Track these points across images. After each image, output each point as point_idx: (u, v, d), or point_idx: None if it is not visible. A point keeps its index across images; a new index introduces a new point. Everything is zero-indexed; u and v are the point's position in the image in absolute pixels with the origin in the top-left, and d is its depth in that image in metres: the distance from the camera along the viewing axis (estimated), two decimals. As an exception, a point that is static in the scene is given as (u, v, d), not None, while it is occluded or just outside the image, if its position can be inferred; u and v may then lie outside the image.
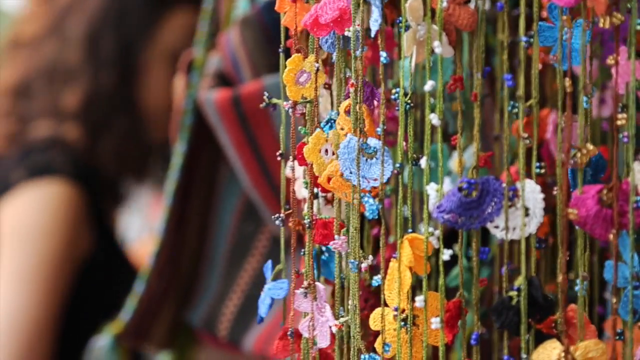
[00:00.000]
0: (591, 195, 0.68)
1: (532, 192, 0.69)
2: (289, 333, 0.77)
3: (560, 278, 0.69)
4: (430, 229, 0.70)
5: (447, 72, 0.81)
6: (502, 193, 0.69)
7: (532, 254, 0.72)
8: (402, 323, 0.70)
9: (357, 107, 0.72)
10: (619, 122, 0.69)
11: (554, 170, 0.76)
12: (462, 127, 0.73)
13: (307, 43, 0.77)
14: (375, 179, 0.71)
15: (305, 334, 0.76)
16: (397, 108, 0.72)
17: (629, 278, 0.69)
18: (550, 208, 0.72)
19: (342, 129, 0.73)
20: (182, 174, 1.31)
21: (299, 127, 0.77)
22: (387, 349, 0.71)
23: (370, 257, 0.74)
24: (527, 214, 0.69)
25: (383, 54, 0.71)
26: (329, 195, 0.79)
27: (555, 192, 0.72)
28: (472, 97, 0.73)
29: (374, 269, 0.77)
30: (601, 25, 0.68)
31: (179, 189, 1.32)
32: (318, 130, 0.75)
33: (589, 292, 0.75)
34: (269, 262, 0.79)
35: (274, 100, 0.79)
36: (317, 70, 0.75)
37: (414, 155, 0.71)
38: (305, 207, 0.77)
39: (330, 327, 0.74)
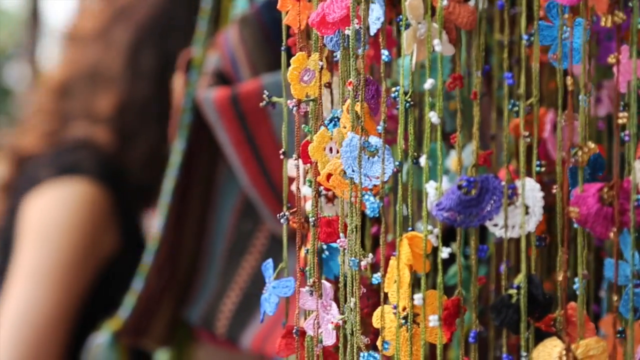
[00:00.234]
0: (592, 194, 0.68)
1: (531, 191, 0.69)
2: (293, 331, 0.77)
3: (560, 276, 0.70)
4: (429, 227, 0.70)
5: (445, 72, 0.81)
6: (502, 191, 0.69)
7: (533, 252, 0.72)
8: (403, 321, 0.71)
9: (357, 105, 0.72)
10: (620, 121, 0.69)
11: (551, 169, 0.77)
12: (462, 125, 0.73)
13: (308, 41, 0.77)
14: (377, 177, 0.71)
15: (310, 332, 0.76)
16: (397, 107, 0.72)
17: (629, 276, 0.70)
18: (546, 207, 0.72)
19: (344, 127, 0.73)
20: (181, 172, 1.31)
21: (302, 125, 0.77)
22: (386, 346, 0.72)
23: (370, 255, 0.75)
24: (526, 212, 0.70)
25: (384, 52, 0.71)
26: (330, 193, 0.79)
27: (553, 191, 0.72)
28: (471, 95, 0.73)
29: (375, 267, 0.77)
30: (602, 24, 0.68)
31: (177, 187, 1.32)
32: (322, 128, 0.75)
33: (585, 290, 0.75)
34: (269, 261, 0.79)
35: (274, 99, 0.80)
36: (322, 68, 0.75)
37: (415, 154, 0.72)
38: (308, 205, 0.78)
39: (333, 323, 0.74)
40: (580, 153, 0.69)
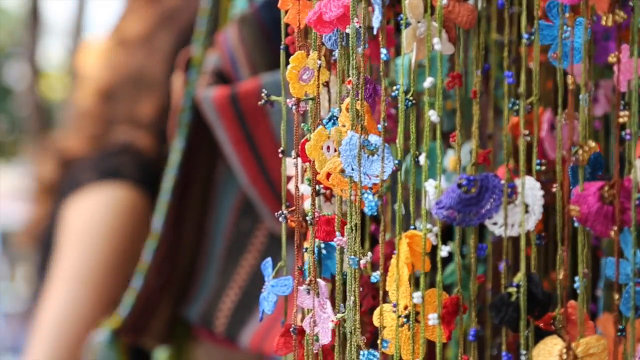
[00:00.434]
0: (592, 192, 0.68)
1: (531, 189, 0.69)
2: (291, 329, 0.78)
3: (561, 274, 0.70)
4: (428, 226, 0.70)
5: (442, 71, 0.82)
6: (501, 190, 0.69)
7: (533, 251, 0.72)
8: (404, 320, 0.71)
9: (357, 104, 0.72)
10: (620, 120, 0.70)
11: (548, 168, 0.77)
12: (461, 124, 0.73)
13: (308, 40, 0.77)
14: (377, 176, 0.71)
15: (308, 331, 0.76)
16: (396, 105, 0.72)
17: (630, 274, 0.70)
18: (543, 206, 0.72)
19: (343, 125, 0.73)
20: (180, 170, 1.32)
21: (302, 124, 0.77)
22: (385, 345, 0.72)
23: (370, 253, 0.75)
24: (526, 211, 0.70)
25: (383, 50, 0.71)
26: (328, 192, 0.79)
27: (553, 190, 0.72)
28: (471, 94, 0.73)
29: (374, 266, 0.77)
30: (603, 22, 0.69)
31: (176, 185, 1.32)
32: (320, 127, 0.75)
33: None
34: (269, 260, 0.80)
35: (273, 98, 0.80)
36: (320, 67, 0.75)
37: (416, 152, 0.72)
38: (307, 204, 0.78)
39: (333, 322, 0.74)
40: (581, 152, 0.69)
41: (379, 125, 0.72)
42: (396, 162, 0.72)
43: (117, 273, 1.58)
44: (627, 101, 0.70)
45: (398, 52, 0.83)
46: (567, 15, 0.70)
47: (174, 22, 1.70)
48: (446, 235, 0.75)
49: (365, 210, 0.72)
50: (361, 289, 0.75)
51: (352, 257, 0.73)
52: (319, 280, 0.76)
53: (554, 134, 0.82)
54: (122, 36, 1.78)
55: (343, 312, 0.75)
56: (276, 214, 0.78)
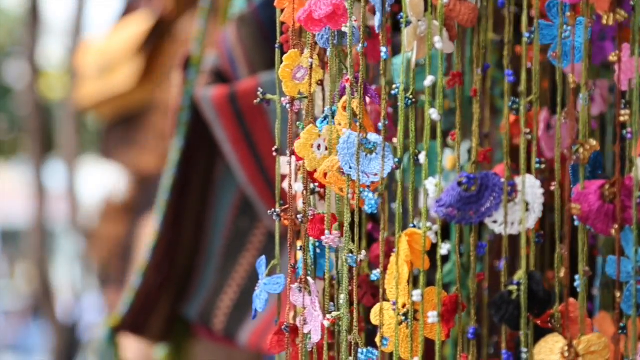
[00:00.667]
0: (593, 191, 0.68)
1: (531, 187, 0.70)
2: (283, 327, 0.78)
3: (562, 272, 0.70)
4: (428, 224, 0.70)
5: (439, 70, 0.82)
6: (501, 188, 0.69)
7: (532, 249, 0.72)
8: (403, 318, 0.71)
9: (353, 102, 0.72)
10: (622, 118, 0.70)
11: (545, 167, 0.77)
12: (460, 123, 0.73)
13: (301, 39, 0.77)
14: (376, 174, 0.71)
15: (301, 329, 0.76)
16: (392, 105, 0.72)
17: (632, 273, 0.70)
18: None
19: (339, 124, 0.73)
20: (179, 169, 1.32)
21: (297, 123, 0.77)
22: (384, 343, 0.72)
23: (364, 252, 0.75)
24: (525, 209, 0.70)
25: (383, 49, 0.71)
26: (322, 190, 0.79)
27: (551, 189, 0.72)
28: (470, 93, 0.73)
29: (371, 264, 0.77)
30: (604, 22, 0.69)
31: (175, 184, 1.33)
32: (310, 125, 0.75)
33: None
34: (263, 258, 0.80)
35: (268, 96, 0.80)
36: (312, 65, 0.75)
37: (417, 151, 0.72)
38: (300, 202, 0.78)
39: (329, 320, 0.74)
40: (582, 150, 0.69)
41: (380, 124, 0.72)
42: (396, 160, 0.72)
43: None
44: (628, 100, 0.70)
45: (395, 52, 0.83)
46: (567, 14, 0.70)
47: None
48: (443, 234, 0.75)
49: (366, 208, 0.72)
50: (359, 287, 0.75)
51: (350, 255, 0.73)
52: (308, 278, 0.76)
53: (550, 134, 0.82)
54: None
55: (332, 311, 0.75)
56: (269, 211, 0.78)
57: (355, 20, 0.72)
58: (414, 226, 0.72)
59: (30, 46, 3.27)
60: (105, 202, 1.93)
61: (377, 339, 0.72)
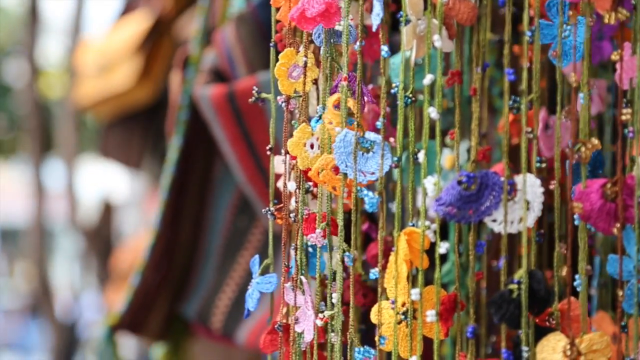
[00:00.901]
0: (595, 190, 0.68)
1: (531, 186, 0.70)
2: (276, 326, 0.78)
3: (563, 271, 0.70)
4: (427, 223, 0.70)
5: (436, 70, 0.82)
6: (501, 187, 0.69)
7: (532, 248, 0.72)
8: (402, 317, 0.71)
9: (348, 101, 0.72)
10: (623, 117, 0.70)
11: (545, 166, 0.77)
12: (459, 122, 0.73)
13: (298, 38, 0.77)
14: (372, 173, 0.71)
15: (294, 329, 0.76)
16: (390, 104, 0.72)
17: (633, 272, 0.70)
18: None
19: (330, 122, 0.73)
20: (177, 168, 1.32)
21: (293, 122, 0.77)
22: (382, 342, 0.72)
23: (355, 251, 0.75)
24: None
25: (384, 47, 0.71)
26: (315, 189, 0.79)
27: (549, 188, 0.72)
28: (469, 91, 0.73)
29: (367, 264, 0.77)
30: (606, 20, 0.69)
31: (174, 183, 1.33)
32: (303, 124, 0.75)
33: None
34: (257, 257, 0.80)
35: (264, 95, 0.80)
36: (306, 64, 0.75)
37: (415, 150, 0.72)
38: (293, 201, 0.78)
39: (322, 320, 0.74)
40: (583, 149, 0.69)
41: (378, 123, 0.72)
42: (395, 159, 0.72)
43: None
44: (630, 99, 0.70)
45: (392, 51, 0.83)
46: (569, 13, 0.70)
47: None
48: (441, 233, 0.75)
49: (366, 207, 0.72)
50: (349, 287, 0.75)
51: (348, 254, 0.73)
52: (301, 277, 0.76)
53: (548, 133, 0.82)
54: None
55: (324, 310, 0.75)
56: (262, 210, 0.78)
57: (352, 19, 0.72)
58: (413, 225, 0.72)
59: (30, 45, 3.26)
60: None
61: (377, 338, 0.72)
